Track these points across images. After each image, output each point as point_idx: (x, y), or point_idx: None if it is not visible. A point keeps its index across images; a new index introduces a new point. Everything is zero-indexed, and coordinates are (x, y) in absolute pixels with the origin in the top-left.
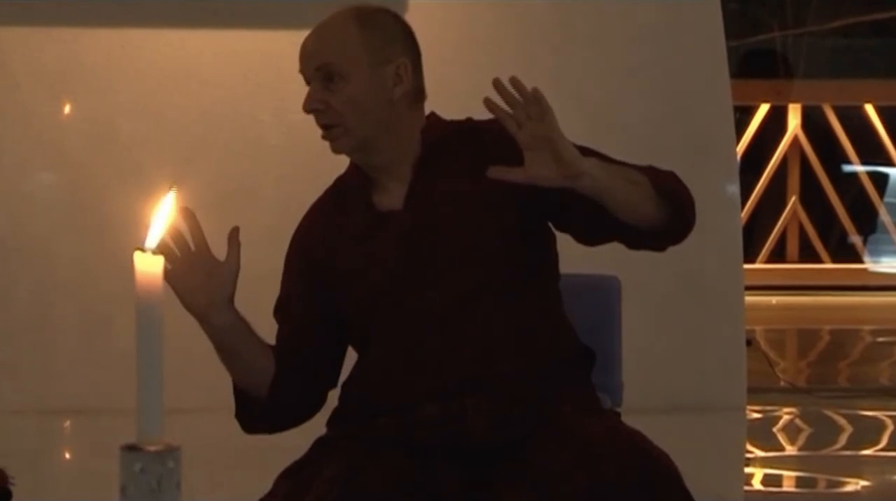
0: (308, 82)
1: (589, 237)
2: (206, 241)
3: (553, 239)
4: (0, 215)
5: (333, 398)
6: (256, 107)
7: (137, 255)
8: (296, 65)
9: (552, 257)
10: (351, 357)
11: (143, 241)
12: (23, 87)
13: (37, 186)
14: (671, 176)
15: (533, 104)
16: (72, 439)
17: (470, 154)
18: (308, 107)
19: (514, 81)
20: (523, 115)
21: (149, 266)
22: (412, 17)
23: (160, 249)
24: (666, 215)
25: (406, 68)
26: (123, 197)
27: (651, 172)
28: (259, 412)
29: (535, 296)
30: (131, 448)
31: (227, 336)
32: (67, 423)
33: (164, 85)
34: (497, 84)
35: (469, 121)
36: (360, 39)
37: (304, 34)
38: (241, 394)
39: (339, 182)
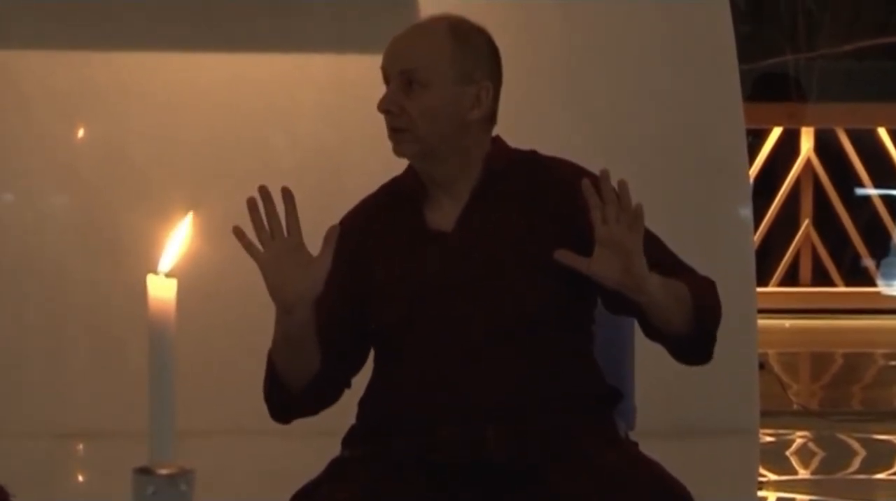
0: (387, 82)
1: (612, 310)
2: (300, 229)
3: (595, 285)
4: (12, 238)
5: (351, 416)
6: (268, 131)
7: (150, 279)
8: (307, 89)
9: (591, 302)
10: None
11: (156, 265)
12: (35, 111)
13: (49, 209)
14: (711, 293)
15: (629, 211)
16: (84, 462)
17: (530, 190)
18: (382, 107)
19: (622, 184)
20: (613, 215)
21: (161, 289)
22: None
23: (257, 233)
24: (691, 339)
25: (487, 92)
26: (136, 220)
27: (694, 287)
28: (289, 399)
29: (568, 339)
30: (144, 472)
31: (301, 330)
32: (80, 446)
33: (176, 108)
34: (603, 175)
35: (533, 153)
36: (450, 53)
37: (316, 58)
38: (275, 379)
39: (394, 184)
